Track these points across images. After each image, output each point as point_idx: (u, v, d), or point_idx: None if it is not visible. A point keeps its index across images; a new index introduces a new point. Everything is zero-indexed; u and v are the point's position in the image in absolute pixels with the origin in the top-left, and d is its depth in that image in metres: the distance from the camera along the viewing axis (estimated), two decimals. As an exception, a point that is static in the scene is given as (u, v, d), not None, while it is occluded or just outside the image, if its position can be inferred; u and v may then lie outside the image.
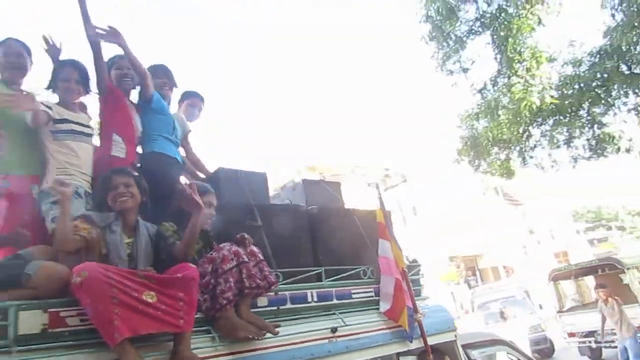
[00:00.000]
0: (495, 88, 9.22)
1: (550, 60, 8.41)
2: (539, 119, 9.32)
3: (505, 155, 10.66)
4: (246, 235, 2.24)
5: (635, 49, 7.35)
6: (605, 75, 7.82)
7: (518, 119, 8.57)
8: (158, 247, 2.11)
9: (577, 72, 8.25)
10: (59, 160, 2.34)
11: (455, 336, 3.07)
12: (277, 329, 2.05)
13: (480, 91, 9.39)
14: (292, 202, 3.09)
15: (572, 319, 8.69)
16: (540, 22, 7.98)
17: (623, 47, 7.16)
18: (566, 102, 8.50)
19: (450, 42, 9.14)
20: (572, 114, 8.80)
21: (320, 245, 2.79)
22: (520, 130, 9.46)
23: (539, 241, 33.36)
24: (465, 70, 9.35)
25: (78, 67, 2.55)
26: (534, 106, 7.82)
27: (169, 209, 2.26)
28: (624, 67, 7.71)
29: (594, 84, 8.07)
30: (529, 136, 10.04)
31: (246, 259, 2.12)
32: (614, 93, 8.13)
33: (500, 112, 8.93)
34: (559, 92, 8.43)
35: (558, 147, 9.77)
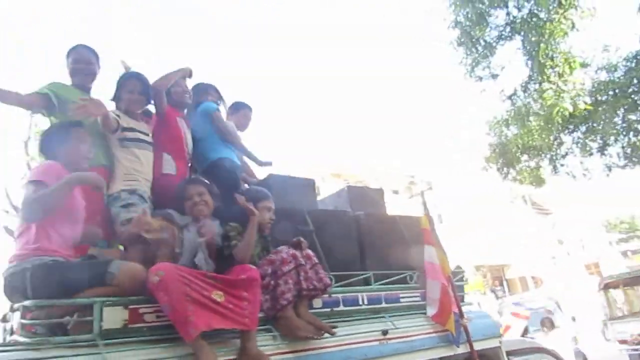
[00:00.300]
0: (526, 94, 9.19)
1: (584, 65, 8.37)
2: (571, 126, 9.26)
3: (535, 163, 10.60)
4: (302, 239, 2.41)
5: None
6: None
7: (549, 125, 8.52)
8: (222, 246, 2.30)
9: (612, 78, 8.20)
10: (125, 167, 2.56)
11: (500, 342, 3.17)
12: (334, 330, 2.20)
13: (510, 97, 9.36)
14: (337, 208, 3.26)
15: (623, 327, 8.81)
16: (573, 26, 7.93)
17: None
18: (600, 108, 8.45)
19: (480, 48, 9.14)
20: (606, 120, 8.71)
21: (367, 250, 2.94)
22: (552, 138, 9.41)
23: (568, 252, 32.73)
24: (494, 76, 9.32)
25: (141, 80, 2.79)
26: (567, 112, 7.78)
27: (236, 211, 2.47)
28: None
29: (630, 89, 8.01)
30: (560, 143, 9.97)
31: (303, 262, 2.28)
32: (651, 99, 8.02)
33: (531, 119, 8.91)
34: (593, 98, 8.38)
35: (591, 154, 9.67)
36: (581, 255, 34.00)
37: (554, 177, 10.87)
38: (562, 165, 10.32)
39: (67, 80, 2.82)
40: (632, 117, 8.59)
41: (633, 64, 7.83)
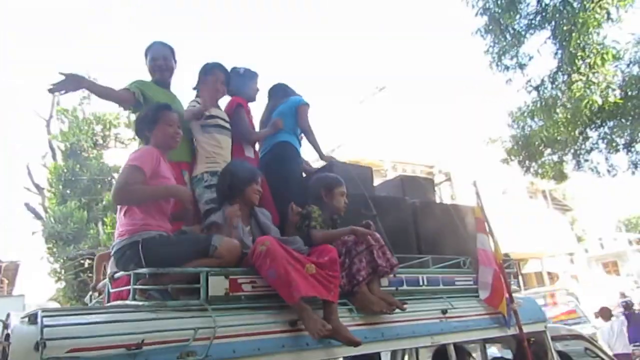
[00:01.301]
0: (554, 85, 9.34)
1: (617, 58, 8.57)
2: (598, 121, 9.47)
3: (558, 157, 10.90)
4: (370, 222, 2.86)
5: None
6: None
7: (576, 118, 8.73)
8: (302, 222, 2.76)
9: None
10: (207, 151, 3.01)
11: (545, 327, 3.64)
12: (404, 306, 2.66)
13: (536, 88, 9.50)
14: (389, 196, 3.73)
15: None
16: (608, 16, 8.08)
17: None
18: (629, 103, 8.71)
19: (508, 36, 9.31)
20: (635, 116, 8.97)
21: (422, 235, 3.44)
22: (577, 132, 9.68)
23: (586, 249, 33.41)
24: (522, 66, 9.47)
25: (224, 71, 3.21)
26: (596, 105, 8.04)
27: (294, 194, 2.91)
28: None
29: None
30: (586, 138, 10.22)
31: (373, 243, 2.73)
32: (682, 96, 8.28)
33: (557, 111, 9.14)
34: (623, 92, 8.65)
35: (617, 150, 9.93)
36: (599, 254, 34.73)
37: (576, 172, 11.22)
38: (586, 160, 10.57)
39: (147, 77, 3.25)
40: (662, 113, 8.85)
41: None
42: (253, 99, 3.64)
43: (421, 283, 3.06)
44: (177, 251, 2.27)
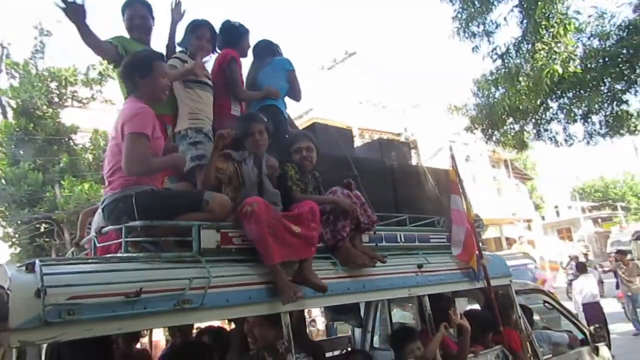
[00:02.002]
0: (518, 54, 9.57)
1: (579, 30, 8.90)
2: (559, 91, 9.83)
3: (520, 126, 11.29)
4: (351, 181, 2.99)
5: None
6: (631, 51, 8.35)
7: (538, 87, 8.98)
8: (280, 183, 2.86)
9: (604, 46, 8.73)
10: (190, 107, 3.04)
11: (510, 281, 3.97)
12: (385, 259, 2.84)
13: (501, 56, 9.66)
14: (369, 158, 3.88)
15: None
16: None
17: None
18: (588, 75, 9.09)
19: (477, 3, 9.48)
20: (593, 88, 9.34)
21: (400, 196, 3.64)
22: (539, 101, 10.06)
23: (543, 217, 35.32)
24: (488, 33, 9.68)
25: (211, 29, 3.20)
26: (556, 74, 8.33)
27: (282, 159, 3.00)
28: None
29: (619, 59, 8.64)
30: (547, 108, 10.60)
31: (356, 200, 2.86)
32: (638, 70, 8.69)
33: (520, 79, 9.42)
34: (583, 65, 8.99)
35: (575, 121, 10.30)
36: (555, 221, 36.78)
37: (536, 142, 11.70)
38: (545, 130, 10.98)
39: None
40: (618, 86, 9.23)
41: (625, 34, 8.39)
42: (245, 55, 3.65)
43: (399, 240, 3.27)
44: (169, 205, 2.33)
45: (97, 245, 2.49)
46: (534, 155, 41.96)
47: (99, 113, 13.94)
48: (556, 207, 41.10)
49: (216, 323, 3.41)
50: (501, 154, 23.31)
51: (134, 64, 2.58)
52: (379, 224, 3.12)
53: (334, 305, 3.87)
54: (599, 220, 38.55)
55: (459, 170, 3.70)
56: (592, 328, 5.11)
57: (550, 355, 4.26)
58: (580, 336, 4.91)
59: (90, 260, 2.19)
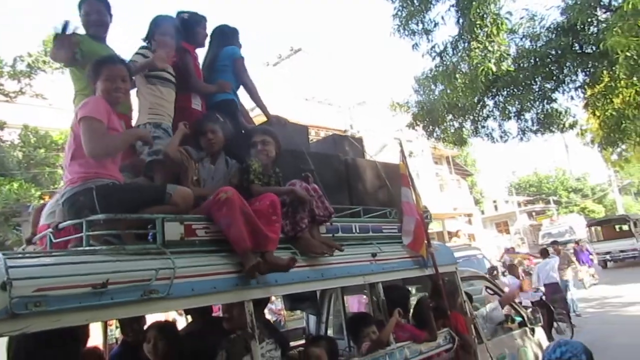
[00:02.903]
0: (455, 52, 10.01)
1: (512, 31, 9.50)
2: (494, 89, 10.41)
3: (458, 123, 11.88)
4: (309, 175, 3.13)
5: (589, 28, 8.50)
6: (559, 52, 8.99)
7: (474, 85, 9.45)
8: (242, 176, 2.96)
9: (535, 47, 9.36)
10: (150, 102, 3.06)
11: (456, 268, 4.29)
12: (342, 248, 3.01)
13: (440, 54, 10.11)
14: (324, 153, 4.05)
15: (598, 245, 20.36)
16: None
17: (578, 26, 8.18)
18: (521, 75, 9.72)
19: (415, 1, 9.87)
20: (526, 87, 9.97)
21: (353, 188, 3.84)
22: (476, 99, 10.62)
23: (483, 211, 37.17)
24: (427, 31, 10.03)
25: (174, 24, 3.22)
26: (491, 73, 8.82)
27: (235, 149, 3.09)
28: (576, 46, 8.96)
29: (548, 59, 9.28)
30: (483, 106, 11.20)
31: (313, 193, 3.01)
32: (565, 70, 9.39)
33: (457, 77, 9.90)
34: (516, 64, 9.59)
35: (509, 118, 10.96)
36: (494, 214, 38.84)
37: (475, 138, 12.33)
38: (483, 127, 11.63)
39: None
40: (548, 85, 9.94)
41: (553, 35, 9.05)
42: (201, 45, 3.68)
43: (354, 230, 3.47)
44: (132, 198, 2.37)
45: (54, 241, 2.48)
46: (474, 152, 44.16)
47: (28, 108, 13.25)
48: (494, 201, 43.54)
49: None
50: (443, 150, 24.34)
51: (88, 73, 2.67)
52: (335, 216, 3.28)
53: (292, 294, 4.03)
54: (533, 213, 41.17)
55: (408, 164, 3.94)
56: (529, 311, 5.58)
57: (493, 334, 4.65)
58: (518, 319, 5.34)
59: (55, 253, 2.20)
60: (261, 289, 2.61)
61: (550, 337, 8.97)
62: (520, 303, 8.86)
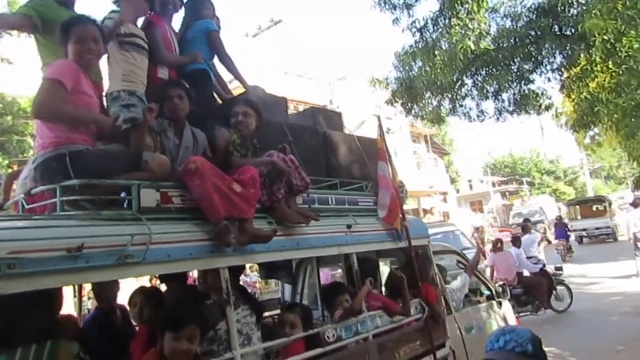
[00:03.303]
0: (435, 28, 10.02)
1: (494, 10, 9.53)
2: (473, 68, 10.47)
3: (437, 101, 11.96)
4: (287, 146, 3.15)
5: (569, 10, 8.57)
6: (539, 33, 9.06)
7: (453, 63, 9.52)
8: (220, 148, 2.97)
9: (515, 27, 9.40)
10: (124, 68, 3.00)
11: (429, 242, 4.41)
12: (318, 217, 3.07)
13: (420, 30, 10.04)
14: (302, 125, 4.08)
15: (576, 223, 22.33)
16: None
17: (559, 7, 8.25)
18: (500, 54, 9.81)
19: None
20: (504, 67, 10.06)
21: (331, 161, 3.91)
22: (454, 78, 10.69)
23: (458, 190, 37.90)
24: (408, 6, 9.97)
25: None
26: (470, 50, 8.85)
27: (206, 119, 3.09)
28: (556, 28, 9.05)
29: (528, 40, 9.36)
30: (462, 85, 11.31)
31: (291, 164, 3.05)
32: (544, 52, 9.49)
33: (437, 53, 9.91)
34: (496, 43, 9.67)
35: (487, 98, 11.05)
36: (469, 194, 39.67)
37: (452, 117, 12.44)
38: (460, 105, 11.75)
39: None
40: (526, 66, 10.04)
41: (534, 16, 9.11)
42: (169, 14, 3.60)
43: (330, 202, 3.54)
44: (107, 164, 2.37)
45: (26, 207, 2.47)
46: (452, 132, 44.68)
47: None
48: (470, 181, 44.42)
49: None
50: (421, 129, 24.57)
51: (59, 31, 2.58)
52: (311, 187, 3.33)
53: (268, 263, 4.10)
54: (507, 193, 42.20)
55: (385, 139, 4.01)
56: (497, 285, 5.80)
57: (462, 306, 4.84)
58: (486, 293, 5.56)
59: (28, 217, 2.20)
60: (237, 256, 2.66)
61: (548, 305, 9.67)
62: (522, 273, 9.77)
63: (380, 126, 4.02)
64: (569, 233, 19.45)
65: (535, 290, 9.57)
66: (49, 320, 2.08)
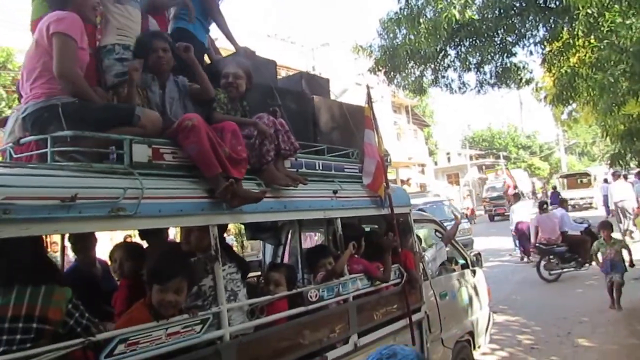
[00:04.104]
0: None
1: None
2: (457, 39, 10.57)
3: (419, 71, 12.02)
4: (277, 109, 3.20)
5: None
6: (524, 5, 9.17)
7: (437, 32, 9.57)
8: (205, 104, 3.00)
9: None
10: (119, 21, 2.98)
11: (410, 210, 4.59)
12: (306, 181, 3.18)
13: None
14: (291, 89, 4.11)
15: (564, 192, 23.99)
16: None
17: None
18: (484, 25, 9.85)
19: None
20: (488, 38, 10.16)
21: (318, 127, 3.98)
22: (438, 48, 10.74)
23: (436, 162, 38.49)
24: None
25: None
26: (454, 19, 8.90)
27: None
28: (541, 0, 9.17)
29: (512, 11, 9.44)
30: (445, 55, 11.38)
31: (280, 128, 3.10)
32: (527, 24, 9.59)
33: (421, 21, 9.92)
34: (480, 14, 9.73)
35: (469, 69, 11.17)
36: (446, 166, 40.39)
37: (434, 88, 12.53)
38: (443, 77, 11.85)
39: None
40: (509, 39, 10.15)
41: None
42: None
43: (317, 167, 3.63)
44: (99, 117, 2.39)
45: (14, 156, 2.48)
46: (433, 104, 44.95)
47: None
48: (448, 153, 45.15)
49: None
50: (403, 100, 24.66)
51: None
52: (299, 152, 3.41)
53: (255, 224, 4.19)
54: (483, 167, 43.00)
55: (373, 107, 4.08)
56: (472, 255, 6.04)
57: (437, 273, 5.05)
58: (461, 262, 5.79)
59: (22, 165, 2.22)
60: (226, 215, 2.74)
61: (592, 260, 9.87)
62: (566, 232, 10.82)
63: (368, 94, 4.09)
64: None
65: (580, 247, 10.38)
66: (40, 266, 2.13)
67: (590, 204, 25.15)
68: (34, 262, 2.12)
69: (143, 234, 3.52)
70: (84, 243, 3.35)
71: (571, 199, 24.45)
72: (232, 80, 3.15)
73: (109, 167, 2.31)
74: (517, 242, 13.60)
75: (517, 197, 14.22)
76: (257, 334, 2.82)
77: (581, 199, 25.64)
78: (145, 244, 3.49)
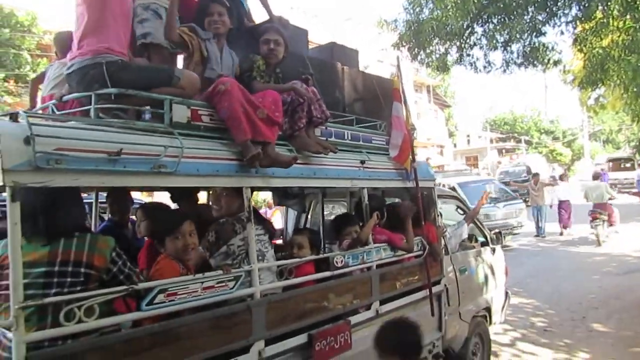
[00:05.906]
0: None
1: None
2: (485, 15, 10.40)
3: (444, 48, 11.86)
4: (309, 77, 3.26)
5: None
6: None
7: (465, 7, 9.46)
8: (245, 72, 3.08)
9: None
10: None
11: (434, 184, 4.66)
12: (336, 150, 3.26)
13: None
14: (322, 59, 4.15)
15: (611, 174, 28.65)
16: None
17: None
18: (514, 2, 9.67)
19: None
20: (517, 16, 9.96)
21: (348, 97, 4.06)
22: (465, 24, 10.58)
23: (455, 144, 38.22)
24: None
25: None
26: None
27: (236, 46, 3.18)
28: None
29: None
30: (472, 32, 11.19)
31: (312, 96, 3.18)
32: (559, 3, 9.41)
33: None
34: None
35: (496, 48, 10.99)
36: (465, 148, 40.13)
37: (457, 67, 12.37)
38: (468, 55, 11.68)
39: None
40: (539, 17, 9.94)
41: None
42: None
43: (346, 137, 3.70)
44: (141, 77, 2.48)
45: (57, 112, 2.58)
46: (454, 84, 44.38)
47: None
48: (468, 135, 44.71)
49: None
50: (424, 79, 24.40)
51: None
52: (329, 121, 3.47)
53: (283, 191, 4.28)
54: (504, 151, 42.55)
55: (402, 80, 4.11)
56: (492, 233, 6.07)
57: (457, 249, 5.12)
58: (481, 239, 5.84)
59: (70, 119, 2.32)
60: (259, 178, 2.83)
61: None
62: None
63: (398, 66, 4.11)
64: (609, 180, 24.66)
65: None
66: (83, 217, 2.24)
67: (632, 184, 28.36)
68: (77, 213, 2.23)
69: (175, 197, 3.65)
70: (122, 204, 3.51)
71: (615, 179, 28.83)
72: (273, 47, 3.22)
73: (150, 126, 2.40)
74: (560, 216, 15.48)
75: (537, 179, 15.77)
76: (285, 294, 2.93)
77: (625, 179, 29.65)
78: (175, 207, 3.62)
